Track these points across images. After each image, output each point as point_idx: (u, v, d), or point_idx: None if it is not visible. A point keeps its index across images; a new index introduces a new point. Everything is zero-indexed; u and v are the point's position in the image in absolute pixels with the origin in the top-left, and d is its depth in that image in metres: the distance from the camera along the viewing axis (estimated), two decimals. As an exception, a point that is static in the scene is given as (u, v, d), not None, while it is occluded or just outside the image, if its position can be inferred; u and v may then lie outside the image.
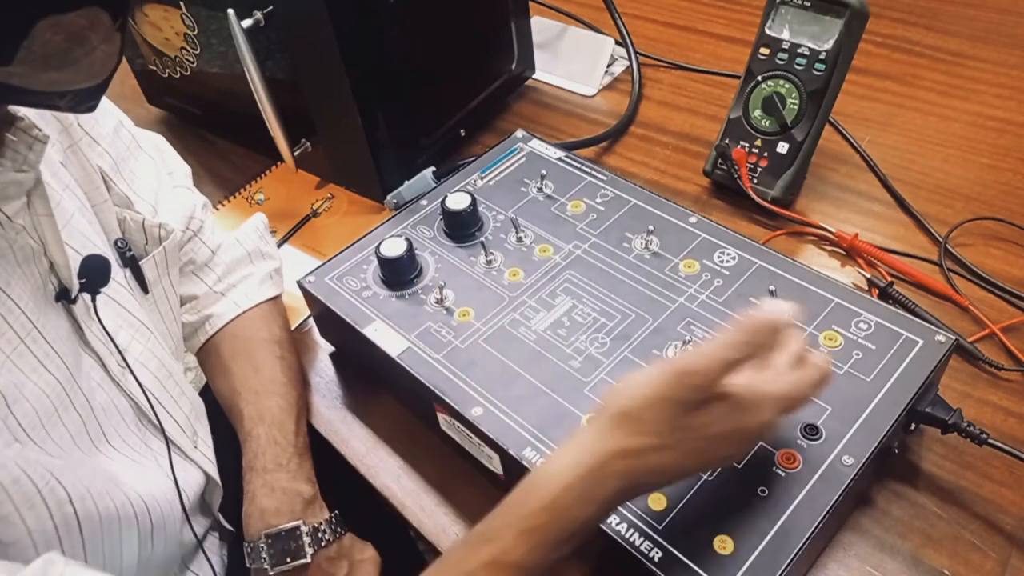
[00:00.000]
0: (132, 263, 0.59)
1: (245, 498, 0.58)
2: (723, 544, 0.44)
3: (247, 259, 0.70)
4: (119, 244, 0.58)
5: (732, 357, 0.40)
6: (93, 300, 0.51)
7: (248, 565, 0.56)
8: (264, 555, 0.55)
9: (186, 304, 0.67)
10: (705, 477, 0.47)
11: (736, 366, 0.40)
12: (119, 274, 0.57)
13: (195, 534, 0.58)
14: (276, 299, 0.70)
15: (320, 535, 0.56)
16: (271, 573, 0.55)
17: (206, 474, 0.60)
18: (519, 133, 0.76)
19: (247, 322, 0.67)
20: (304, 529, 0.56)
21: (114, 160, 0.61)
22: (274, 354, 0.65)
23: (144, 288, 0.60)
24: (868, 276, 0.66)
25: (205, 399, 0.65)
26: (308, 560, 0.55)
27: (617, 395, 0.42)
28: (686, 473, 0.44)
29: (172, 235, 0.62)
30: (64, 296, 0.49)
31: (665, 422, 0.40)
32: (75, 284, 0.50)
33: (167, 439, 0.56)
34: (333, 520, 0.58)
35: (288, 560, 0.55)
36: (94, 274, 0.51)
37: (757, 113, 0.74)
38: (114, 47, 0.40)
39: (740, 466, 0.48)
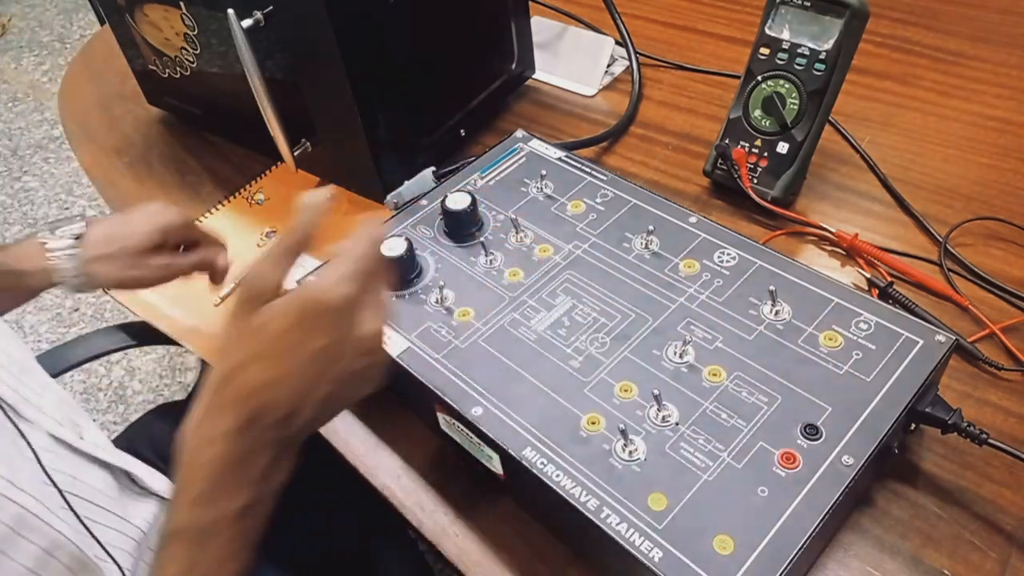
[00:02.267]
0: None
1: None
2: (723, 544, 0.44)
3: None
4: None
5: (279, 252, 0.45)
6: None
7: None
8: None
9: None
10: (705, 477, 0.47)
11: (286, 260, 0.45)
12: None
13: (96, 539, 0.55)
14: None
15: None
16: None
17: (111, 466, 0.57)
18: (519, 133, 0.76)
19: None
20: None
21: None
22: None
23: None
24: (868, 276, 0.66)
25: None
26: None
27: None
28: (309, 384, 0.43)
29: None
30: None
31: (241, 336, 0.43)
32: None
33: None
34: None
35: None
36: None
37: (757, 113, 0.74)
38: None
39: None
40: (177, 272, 0.69)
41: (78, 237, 0.65)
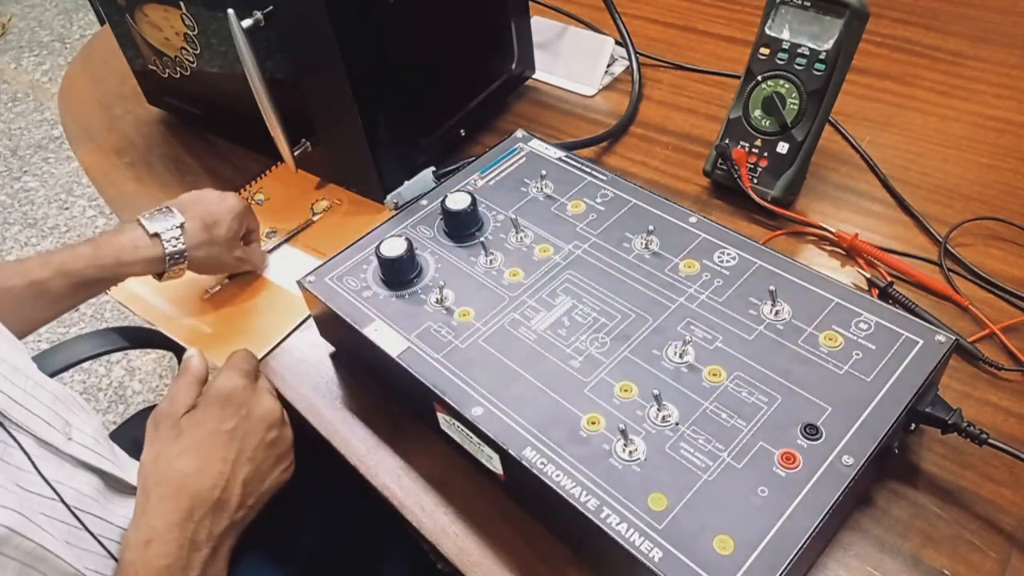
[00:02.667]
0: None
1: None
2: (723, 544, 0.44)
3: None
4: None
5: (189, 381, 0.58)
6: None
7: None
8: None
9: None
10: (705, 477, 0.47)
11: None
12: None
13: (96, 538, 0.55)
14: None
15: None
16: None
17: (96, 469, 0.56)
18: (519, 133, 0.76)
19: None
20: None
21: None
22: None
23: None
24: (868, 276, 0.66)
25: None
26: None
27: None
28: (229, 467, 0.50)
29: None
30: None
31: (164, 440, 0.51)
32: None
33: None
34: None
35: None
36: None
37: (757, 113, 0.74)
38: None
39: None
40: (247, 266, 0.76)
41: (181, 226, 0.69)
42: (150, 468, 0.52)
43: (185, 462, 0.49)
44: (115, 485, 0.58)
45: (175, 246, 0.69)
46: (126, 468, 0.59)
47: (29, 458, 0.52)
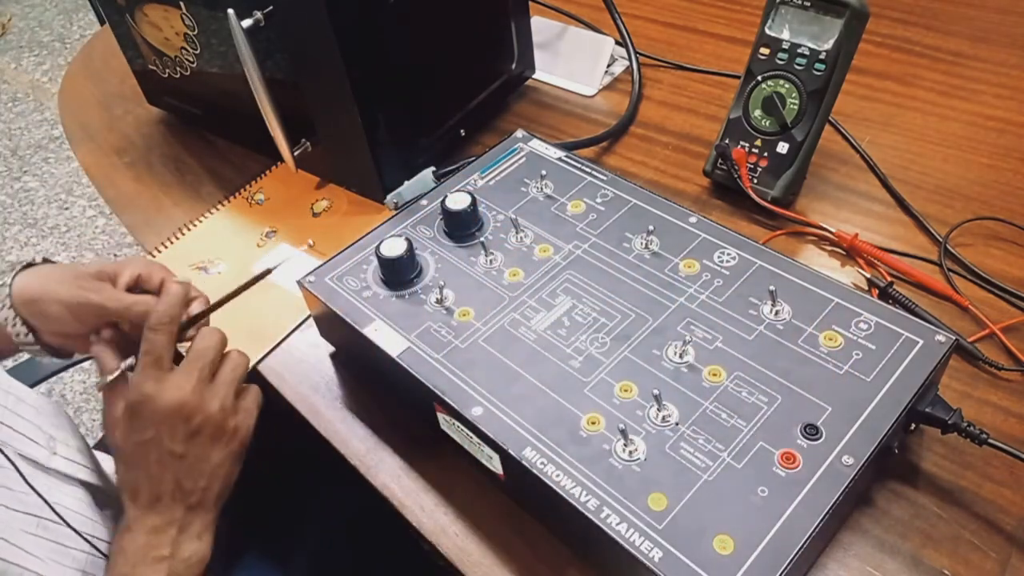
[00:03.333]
0: None
1: None
2: (723, 544, 0.44)
3: None
4: None
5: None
6: None
7: None
8: None
9: None
10: (705, 477, 0.47)
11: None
12: None
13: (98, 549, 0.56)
14: None
15: None
16: None
17: (83, 482, 0.56)
18: (519, 133, 0.76)
19: None
20: None
21: None
22: None
23: None
24: (868, 276, 0.66)
25: None
26: None
27: None
28: (171, 476, 0.51)
29: None
30: None
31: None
32: None
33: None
34: None
35: None
36: None
37: (757, 113, 0.74)
38: None
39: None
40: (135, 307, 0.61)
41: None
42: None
43: (123, 474, 0.52)
44: (101, 497, 0.58)
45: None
46: (110, 480, 0.59)
47: (23, 476, 0.52)
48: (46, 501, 0.52)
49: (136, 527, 0.50)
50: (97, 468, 0.59)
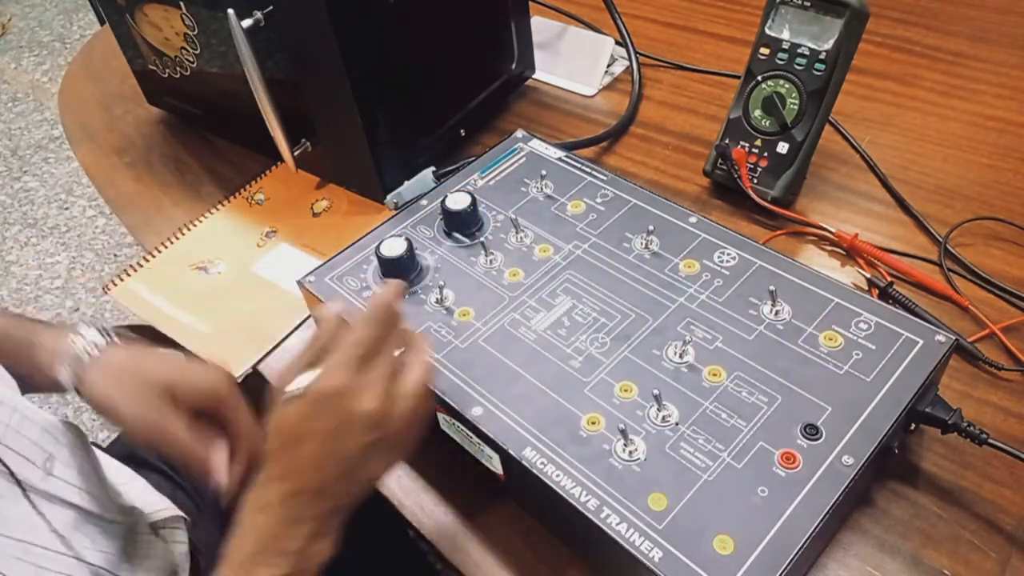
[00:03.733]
0: None
1: None
2: (723, 544, 0.44)
3: None
4: None
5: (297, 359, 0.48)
6: None
7: None
8: None
9: None
10: (705, 477, 0.47)
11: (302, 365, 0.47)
12: None
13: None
14: None
15: None
16: None
17: (73, 505, 0.55)
18: (519, 133, 0.76)
19: None
20: None
21: None
22: None
23: None
24: (868, 276, 0.66)
25: None
26: None
27: None
28: (332, 474, 0.47)
29: None
30: None
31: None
32: None
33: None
34: None
35: None
36: None
37: (757, 113, 0.74)
38: None
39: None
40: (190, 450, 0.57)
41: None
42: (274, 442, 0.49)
43: (277, 449, 0.48)
44: (91, 519, 0.57)
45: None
46: (108, 500, 0.58)
47: (23, 491, 0.51)
48: (51, 526, 0.51)
49: (270, 512, 0.46)
50: (95, 490, 0.58)
